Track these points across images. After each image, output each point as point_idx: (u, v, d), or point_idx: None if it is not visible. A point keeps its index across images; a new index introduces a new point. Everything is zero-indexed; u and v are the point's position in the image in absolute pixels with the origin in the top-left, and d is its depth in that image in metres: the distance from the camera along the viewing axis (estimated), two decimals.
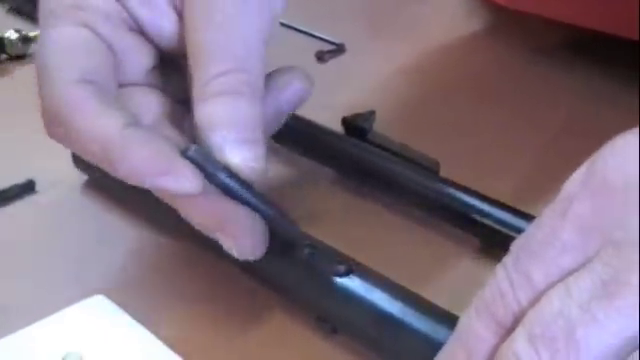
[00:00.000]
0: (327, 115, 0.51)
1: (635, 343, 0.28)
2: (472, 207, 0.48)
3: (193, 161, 0.39)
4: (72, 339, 0.42)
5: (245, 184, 0.40)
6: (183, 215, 0.41)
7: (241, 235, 0.40)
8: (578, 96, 0.62)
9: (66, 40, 0.41)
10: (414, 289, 0.41)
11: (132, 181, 0.39)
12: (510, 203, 0.47)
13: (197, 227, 0.41)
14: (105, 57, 0.42)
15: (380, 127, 0.54)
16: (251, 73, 0.40)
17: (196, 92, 0.40)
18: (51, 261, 0.49)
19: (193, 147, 0.40)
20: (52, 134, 0.41)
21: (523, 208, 0.47)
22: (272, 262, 0.43)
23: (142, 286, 0.47)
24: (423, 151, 0.52)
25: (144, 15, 0.43)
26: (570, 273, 0.30)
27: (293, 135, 0.54)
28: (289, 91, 0.43)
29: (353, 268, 0.42)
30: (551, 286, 0.31)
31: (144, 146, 0.39)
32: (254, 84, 0.41)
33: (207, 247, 0.47)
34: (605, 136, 0.32)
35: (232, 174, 0.40)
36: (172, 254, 0.49)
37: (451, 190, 0.49)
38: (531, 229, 0.32)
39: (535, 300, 0.31)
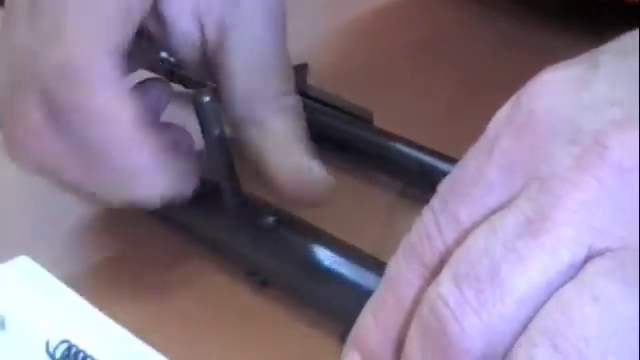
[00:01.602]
0: None
1: (558, 283, 0.28)
2: (407, 156, 0.47)
3: (202, 108, 0.38)
4: None
5: (228, 151, 0.40)
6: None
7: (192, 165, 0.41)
8: (509, 44, 0.61)
9: None
10: (343, 237, 0.41)
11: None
12: (443, 151, 0.47)
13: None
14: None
15: (314, 80, 0.53)
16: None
17: (266, 103, 0.43)
18: None
19: (208, 96, 0.38)
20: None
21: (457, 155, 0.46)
22: (201, 216, 0.42)
23: (68, 247, 0.46)
24: (358, 102, 0.51)
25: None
26: (497, 212, 0.30)
27: None
28: None
29: (282, 219, 0.41)
30: (478, 226, 0.30)
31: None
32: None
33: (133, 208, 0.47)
34: None
35: (224, 137, 0.39)
36: (97, 215, 0.48)
37: (384, 139, 0.48)
38: (457, 170, 0.31)
39: (462, 241, 0.30)
